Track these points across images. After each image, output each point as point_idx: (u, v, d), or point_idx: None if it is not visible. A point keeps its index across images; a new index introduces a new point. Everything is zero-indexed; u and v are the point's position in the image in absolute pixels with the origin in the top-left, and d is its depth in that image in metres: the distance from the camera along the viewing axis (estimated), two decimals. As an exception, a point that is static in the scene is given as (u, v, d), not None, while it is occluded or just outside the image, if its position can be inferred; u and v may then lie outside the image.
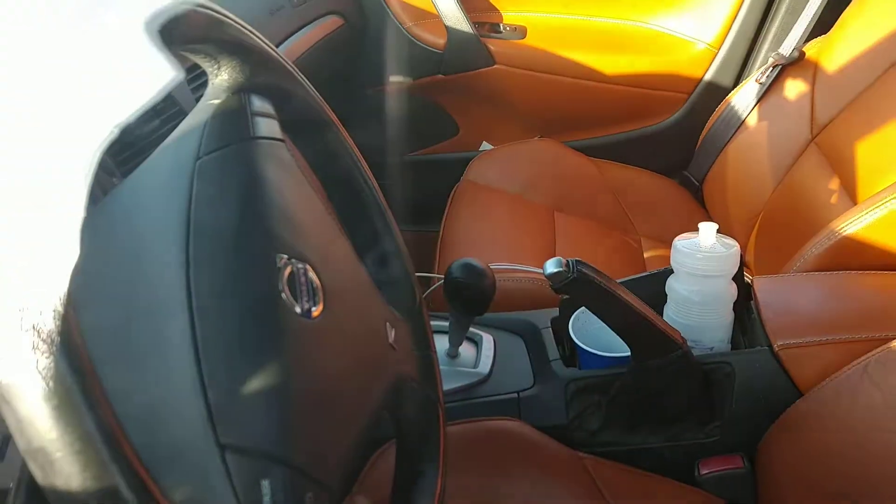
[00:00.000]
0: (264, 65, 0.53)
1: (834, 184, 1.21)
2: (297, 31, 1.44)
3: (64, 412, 0.31)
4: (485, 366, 0.94)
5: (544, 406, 0.89)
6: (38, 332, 0.31)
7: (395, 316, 0.61)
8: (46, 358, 0.31)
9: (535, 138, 1.68)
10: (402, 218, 1.85)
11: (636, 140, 1.67)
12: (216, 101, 0.51)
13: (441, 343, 0.95)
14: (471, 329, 0.96)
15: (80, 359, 0.32)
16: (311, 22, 1.50)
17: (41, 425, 0.31)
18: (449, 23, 1.61)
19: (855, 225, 0.95)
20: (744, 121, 1.44)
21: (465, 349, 0.96)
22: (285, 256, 0.48)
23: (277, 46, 1.22)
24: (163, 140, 0.63)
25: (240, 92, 0.52)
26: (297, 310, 0.47)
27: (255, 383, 0.44)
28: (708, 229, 0.86)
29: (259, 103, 0.53)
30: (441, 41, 1.66)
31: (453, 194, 1.48)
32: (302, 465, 0.43)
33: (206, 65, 0.51)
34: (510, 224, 1.39)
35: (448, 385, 0.91)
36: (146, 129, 0.79)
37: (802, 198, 1.27)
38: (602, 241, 1.41)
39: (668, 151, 1.64)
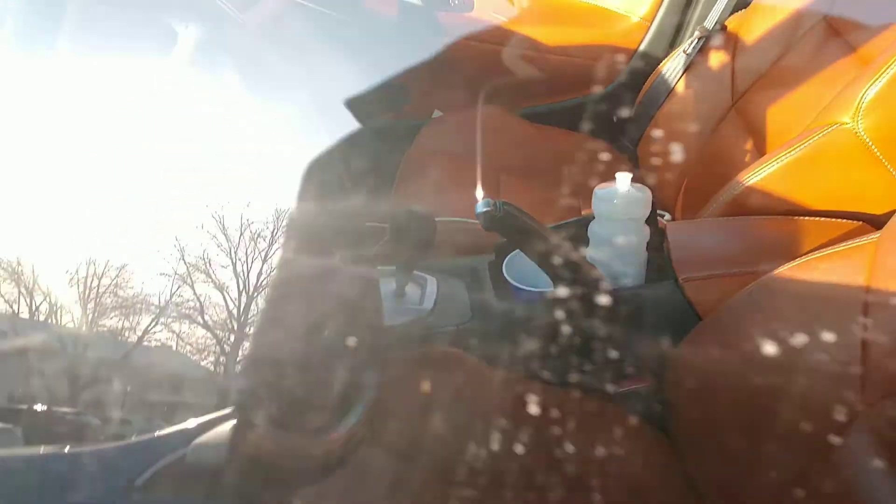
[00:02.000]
0: None
1: (749, 145, 1.34)
2: None
3: None
4: (428, 303, 1.04)
5: (481, 336, 1.00)
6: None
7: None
8: None
9: (482, 106, 1.78)
10: (357, 182, 1.93)
11: (577, 107, 1.78)
12: None
13: (389, 285, 1.05)
14: (417, 273, 1.07)
15: None
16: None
17: None
18: (402, -5, 1.70)
19: (755, 176, 1.08)
20: (672, 89, 1.56)
21: (411, 289, 1.07)
22: None
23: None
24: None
25: None
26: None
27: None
28: (623, 178, 0.98)
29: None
30: (393, 12, 1.74)
31: (404, 158, 1.58)
32: None
33: None
34: (457, 184, 1.49)
35: (395, 320, 1.02)
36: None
37: (722, 159, 1.39)
38: (544, 199, 1.52)
39: (607, 118, 1.76)
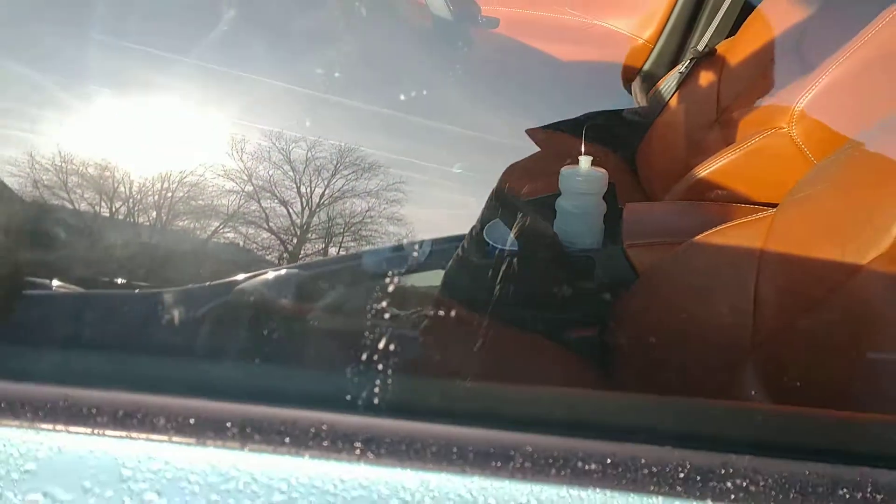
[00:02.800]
0: None
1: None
2: None
3: None
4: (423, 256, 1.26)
5: (460, 287, 1.21)
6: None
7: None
8: None
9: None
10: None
11: (585, 118, 1.98)
12: None
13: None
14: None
15: None
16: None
17: None
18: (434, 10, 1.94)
19: (706, 170, 1.27)
20: (666, 103, 1.75)
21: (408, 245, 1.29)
22: None
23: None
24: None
25: None
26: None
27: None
28: (585, 160, 1.19)
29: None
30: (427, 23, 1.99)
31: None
32: None
33: None
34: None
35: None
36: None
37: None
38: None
39: (610, 127, 1.95)
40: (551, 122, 1.97)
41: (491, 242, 1.22)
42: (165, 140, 0.91)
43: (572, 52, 1.95)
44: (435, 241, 1.30)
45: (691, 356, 1.01)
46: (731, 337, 0.98)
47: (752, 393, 0.94)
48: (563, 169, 1.20)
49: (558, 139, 1.89)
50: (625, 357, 1.13)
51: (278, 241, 0.88)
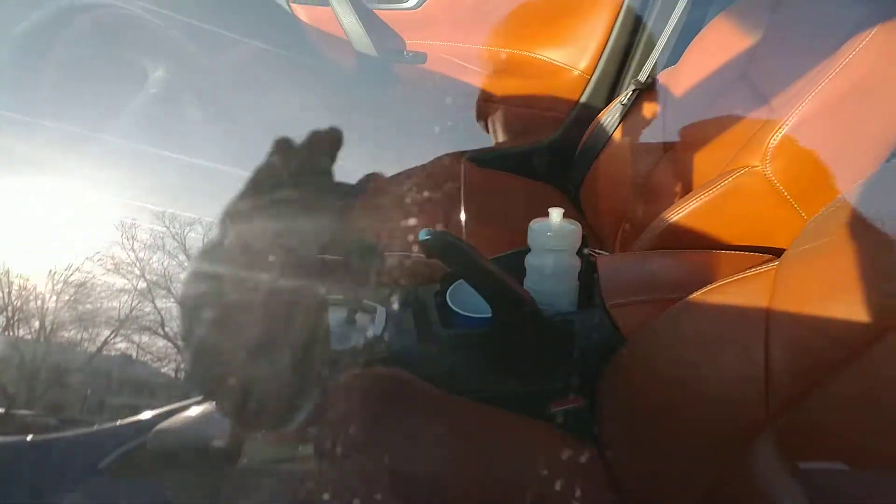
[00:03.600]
0: None
1: (678, 188, 1.46)
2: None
3: None
4: (377, 329, 1.12)
5: (425, 359, 1.07)
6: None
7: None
8: None
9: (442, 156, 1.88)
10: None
11: (524, 154, 1.89)
12: None
13: (341, 313, 1.13)
14: (366, 302, 1.14)
15: None
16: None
17: None
18: (358, 47, 1.81)
19: (677, 215, 1.18)
20: (610, 136, 1.67)
21: (361, 317, 1.14)
22: None
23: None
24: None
25: None
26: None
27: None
28: (556, 213, 1.07)
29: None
30: (352, 63, 1.85)
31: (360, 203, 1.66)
32: None
33: None
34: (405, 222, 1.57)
35: (345, 344, 1.09)
36: None
37: (656, 201, 1.50)
38: (494, 236, 1.61)
39: (550, 163, 1.87)
40: (485, 159, 1.87)
41: (456, 309, 1.09)
42: (46, 229, 0.74)
43: (507, 85, 1.85)
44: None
45: (695, 428, 0.91)
46: (741, 407, 0.88)
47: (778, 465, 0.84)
48: (532, 223, 1.09)
49: (498, 178, 1.79)
50: (617, 431, 1.02)
51: (176, 351, 0.73)
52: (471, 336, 1.07)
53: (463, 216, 1.64)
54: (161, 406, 0.54)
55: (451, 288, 1.12)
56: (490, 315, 1.04)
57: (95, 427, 0.53)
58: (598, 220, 1.64)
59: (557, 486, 1.00)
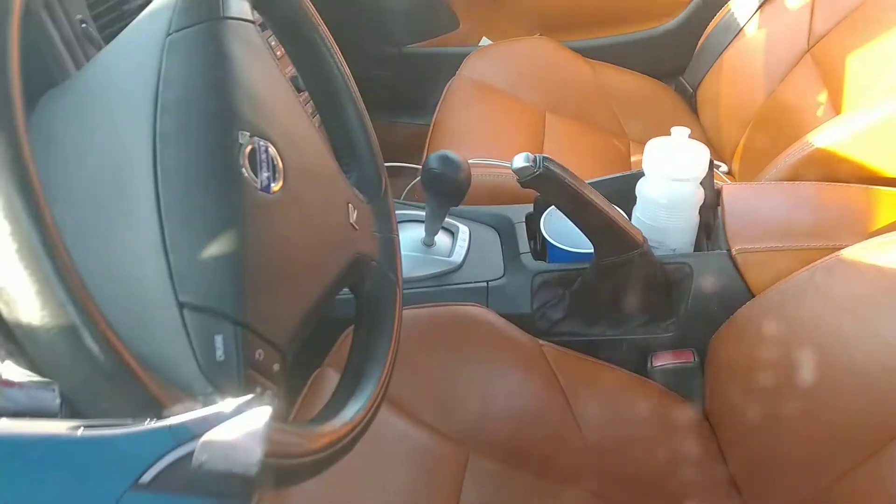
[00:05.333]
0: None
1: (822, 96, 1.22)
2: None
3: (24, 255, 0.35)
4: (458, 255, 0.98)
5: (511, 295, 0.93)
6: None
7: (359, 198, 0.64)
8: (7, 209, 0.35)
9: (535, 36, 1.66)
10: (398, 109, 1.85)
11: (634, 43, 1.66)
12: None
13: (419, 232, 0.99)
14: (448, 220, 1.00)
15: (39, 209, 0.35)
16: None
17: (4, 266, 0.35)
18: None
19: (828, 137, 0.97)
20: (742, 28, 1.42)
21: (442, 239, 1.00)
22: (247, 133, 0.51)
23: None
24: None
25: None
26: (257, 184, 0.50)
27: (213, 249, 0.47)
28: (680, 133, 0.88)
29: (231, -17, 0.54)
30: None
31: (447, 89, 1.48)
32: (254, 325, 0.48)
33: None
34: (501, 121, 1.40)
35: (422, 272, 0.96)
36: (133, 6, 0.80)
37: (790, 109, 1.28)
38: (590, 143, 1.42)
39: (665, 56, 1.63)
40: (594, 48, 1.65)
41: (552, 241, 0.94)
42: None
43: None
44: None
45: (829, 413, 0.75)
46: (892, 389, 0.72)
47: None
48: (649, 144, 0.90)
49: (603, 70, 1.58)
50: (729, 398, 0.87)
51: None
52: (567, 273, 0.92)
53: (557, 115, 1.45)
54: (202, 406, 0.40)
55: (545, 214, 0.96)
56: (590, 251, 0.88)
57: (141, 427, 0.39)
58: (718, 129, 1.43)
59: (655, 449, 0.87)
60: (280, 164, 0.52)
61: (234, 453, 0.37)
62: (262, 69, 0.55)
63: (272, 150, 0.52)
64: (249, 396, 0.39)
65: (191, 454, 0.37)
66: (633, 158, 1.43)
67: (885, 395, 0.71)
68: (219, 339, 0.46)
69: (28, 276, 0.35)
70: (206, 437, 0.37)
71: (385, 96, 1.66)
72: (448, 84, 1.49)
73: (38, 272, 0.35)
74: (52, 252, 0.35)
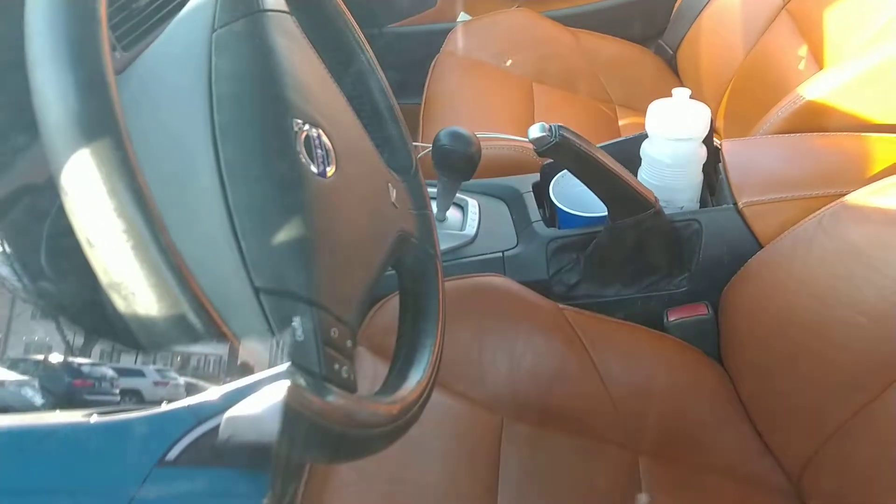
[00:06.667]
0: None
1: (802, 50, 1.26)
2: None
3: (139, 252, 0.37)
4: (471, 228, 1.00)
5: (527, 263, 0.96)
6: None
7: (394, 177, 0.66)
8: (120, 208, 0.36)
9: (514, 8, 1.68)
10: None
11: (612, 9, 1.68)
12: None
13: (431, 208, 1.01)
14: (457, 195, 1.02)
15: (148, 207, 0.37)
16: None
17: (122, 263, 0.37)
18: None
19: (820, 89, 1.01)
20: (718, -13, 1.45)
21: (453, 213, 1.02)
22: (300, 121, 0.52)
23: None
24: (162, 13, 0.65)
25: None
26: (314, 169, 0.52)
27: (282, 234, 0.49)
28: (681, 94, 0.91)
29: (265, -23, 0.56)
30: None
31: (433, 66, 1.50)
32: (326, 304, 0.50)
33: None
34: (490, 94, 1.42)
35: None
36: (142, 2, 0.80)
37: (772, 64, 1.31)
38: (578, 109, 1.45)
39: (643, 20, 1.66)
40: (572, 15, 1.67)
41: (563, 207, 0.96)
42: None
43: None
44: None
45: (840, 350, 0.79)
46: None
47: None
48: (651, 106, 0.93)
49: (583, 37, 1.60)
50: (744, 348, 0.91)
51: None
52: (580, 238, 0.94)
53: (544, 84, 1.47)
54: (227, 382, 0.43)
55: (553, 181, 0.99)
56: (601, 214, 0.91)
57: (163, 408, 0.42)
58: (700, 88, 1.46)
59: (678, 401, 0.91)
60: (331, 149, 0.54)
61: (259, 425, 0.39)
62: (303, 58, 0.57)
63: (324, 136, 0.54)
64: (276, 370, 0.41)
65: (215, 429, 0.40)
66: (620, 123, 1.46)
67: (894, 331, 0.75)
68: (297, 321, 0.48)
69: (144, 272, 0.37)
70: (231, 412, 0.39)
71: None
72: (433, 61, 1.51)
73: (153, 267, 0.37)
74: (163, 248, 0.37)
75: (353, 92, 0.68)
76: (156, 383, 0.52)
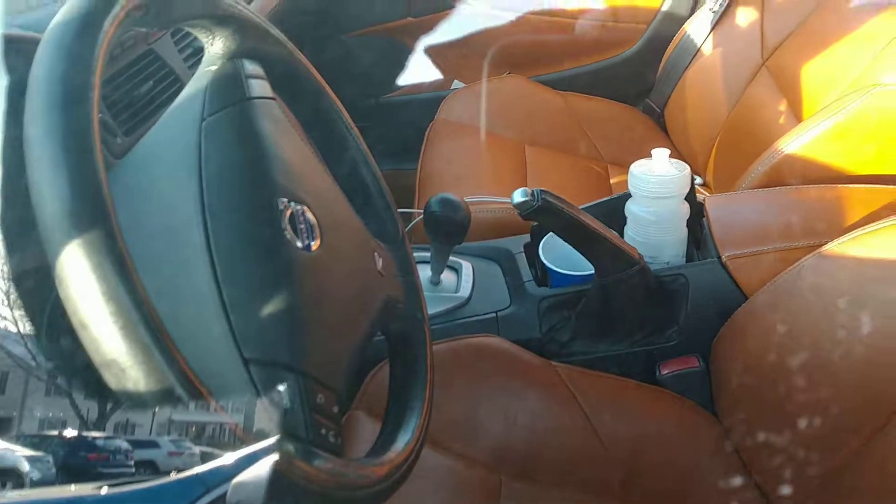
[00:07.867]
0: (253, 32, 0.60)
1: (782, 105, 1.30)
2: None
3: (129, 333, 0.40)
4: (465, 290, 1.03)
5: (520, 322, 0.98)
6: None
7: (381, 246, 0.69)
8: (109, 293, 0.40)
9: (504, 75, 1.74)
10: (381, 157, 1.91)
11: (600, 71, 1.74)
12: (213, 68, 0.59)
13: (424, 272, 1.04)
14: (451, 258, 1.05)
15: (138, 293, 0.40)
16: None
17: (112, 343, 0.40)
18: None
19: (795, 143, 1.04)
20: (699, 48, 1.51)
21: (447, 276, 1.05)
22: (285, 200, 0.56)
23: None
24: (159, 101, 0.70)
25: (233, 58, 0.59)
26: (299, 244, 0.55)
27: (269, 307, 0.52)
28: (660, 154, 0.95)
29: (251, 67, 0.60)
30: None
31: (428, 132, 1.55)
32: (313, 372, 0.52)
33: (202, 36, 0.58)
34: (483, 159, 1.47)
35: (433, 309, 1.00)
36: (142, 91, 0.85)
37: (754, 120, 1.35)
38: (571, 170, 1.49)
39: (630, 81, 1.71)
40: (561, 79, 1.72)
41: (553, 267, 0.99)
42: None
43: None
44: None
45: (831, 402, 0.80)
46: (887, 376, 0.77)
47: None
48: (633, 167, 0.97)
49: (573, 100, 1.65)
50: (736, 397, 0.92)
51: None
52: (570, 296, 0.97)
53: (536, 146, 1.52)
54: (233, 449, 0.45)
55: (542, 241, 1.02)
56: (590, 273, 0.94)
57: (172, 477, 0.44)
58: (688, 144, 1.50)
59: (673, 454, 0.92)
60: (316, 224, 0.58)
61: (250, 491, 0.41)
62: (288, 139, 0.61)
63: (308, 212, 0.57)
64: (271, 441, 0.44)
65: (223, 496, 0.42)
66: (612, 181, 1.50)
67: (877, 377, 0.76)
68: (284, 388, 0.50)
69: (133, 351, 0.40)
70: (238, 478, 0.42)
71: (368, 145, 1.72)
72: (428, 128, 1.56)
73: (142, 347, 0.40)
74: (151, 328, 0.40)
75: (338, 169, 0.72)
76: (170, 453, 0.55)
